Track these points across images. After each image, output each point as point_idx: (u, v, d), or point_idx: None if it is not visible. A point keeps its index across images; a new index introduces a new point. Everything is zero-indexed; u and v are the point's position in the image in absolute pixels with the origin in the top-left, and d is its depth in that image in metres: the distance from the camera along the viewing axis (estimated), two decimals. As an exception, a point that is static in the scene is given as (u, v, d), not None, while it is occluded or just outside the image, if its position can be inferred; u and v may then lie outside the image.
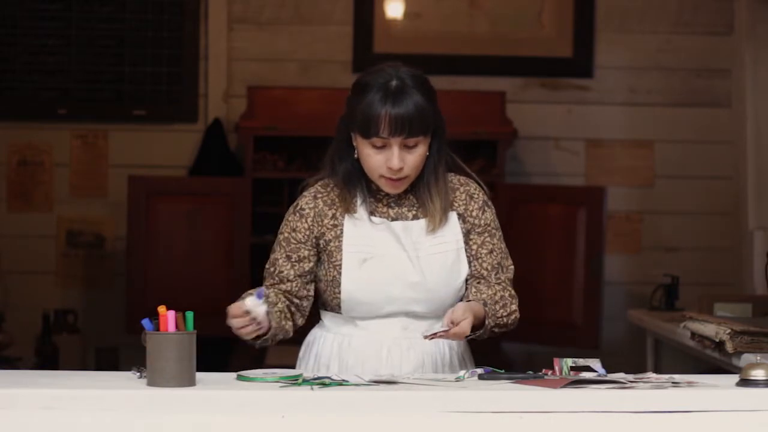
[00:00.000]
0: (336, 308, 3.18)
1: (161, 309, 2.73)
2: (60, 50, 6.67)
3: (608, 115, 6.80)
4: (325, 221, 3.17)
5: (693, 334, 4.30)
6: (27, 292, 6.64)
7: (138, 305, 6.13)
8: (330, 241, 3.16)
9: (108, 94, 6.71)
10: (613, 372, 2.88)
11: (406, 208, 3.19)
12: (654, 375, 2.89)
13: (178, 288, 6.14)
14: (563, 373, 2.85)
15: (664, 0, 6.78)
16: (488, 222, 3.22)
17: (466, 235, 3.19)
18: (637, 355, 5.77)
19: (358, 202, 3.17)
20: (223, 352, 6.03)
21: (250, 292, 2.98)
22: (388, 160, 3.07)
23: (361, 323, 3.17)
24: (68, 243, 6.73)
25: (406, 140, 3.07)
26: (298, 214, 3.19)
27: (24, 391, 2.64)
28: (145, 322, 2.73)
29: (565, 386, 2.73)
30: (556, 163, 6.80)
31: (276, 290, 3.14)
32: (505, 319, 3.13)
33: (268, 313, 2.98)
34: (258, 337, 3.03)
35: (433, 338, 2.96)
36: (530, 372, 2.88)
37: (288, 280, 3.16)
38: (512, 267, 3.24)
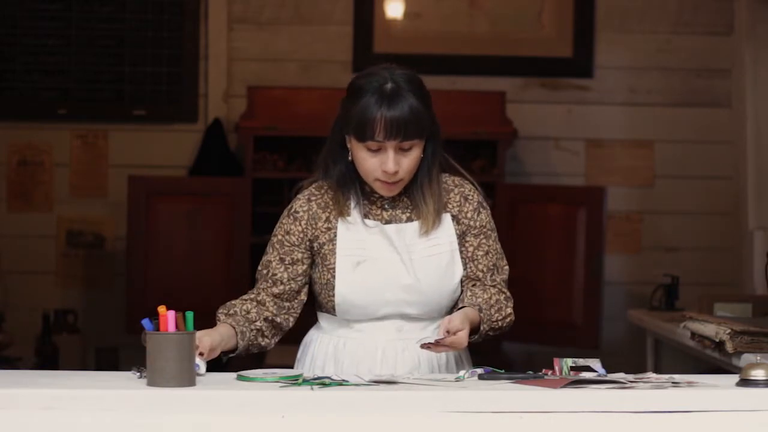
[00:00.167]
0: (331, 310, 3.18)
1: (161, 309, 2.73)
2: (60, 50, 6.67)
3: (608, 115, 6.80)
4: (319, 224, 3.17)
5: (693, 334, 4.30)
6: (27, 292, 6.64)
7: (138, 305, 6.13)
8: (324, 244, 3.16)
9: (108, 94, 6.71)
10: (613, 372, 2.88)
11: (400, 211, 3.18)
12: (654, 375, 2.89)
13: (178, 288, 6.14)
14: (563, 373, 2.85)
15: (664, 0, 6.78)
16: (484, 223, 3.21)
17: (462, 236, 3.19)
18: (637, 355, 5.77)
19: (352, 204, 3.17)
20: (219, 358, 6.03)
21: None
22: (383, 163, 3.07)
23: (356, 325, 3.17)
24: (68, 243, 6.74)
25: (401, 144, 3.06)
26: (291, 217, 3.19)
27: (24, 391, 2.64)
28: (145, 322, 2.73)
29: (565, 386, 2.73)
30: (556, 163, 6.80)
31: (259, 308, 3.14)
32: (500, 323, 3.13)
33: (241, 332, 3.06)
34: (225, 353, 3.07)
35: (427, 348, 2.94)
36: (530, 372, 2.88)
37: (281, 283, 3.16)
38: (507, 268, 3.23)
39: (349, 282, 3.12)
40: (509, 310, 3.16)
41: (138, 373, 2.84)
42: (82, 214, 6.74)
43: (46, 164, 6.72)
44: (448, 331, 2.93)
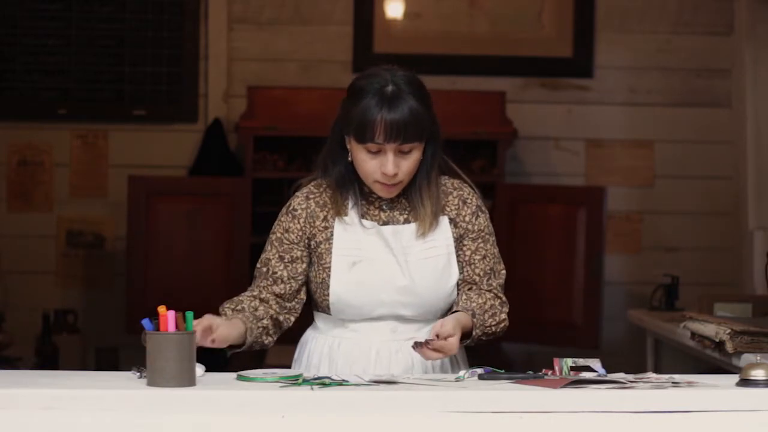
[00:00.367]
0: (326, 310, 3.18)
1: (161, 309, 2.73)
2: (60, 50, 6.67)
3: (608, 115, 6.80)
4: (317, 223, 3.17)
5: (693, 334, 4.30)
6: (27, 292, 6.64)
7: (138, 305, 6.13)
8: (320, 243, 3.16)
9: (108, 94, 6.71)
10: (613, 372, 2.88)
11: (397, 212, 3.18)
12: (654, 375, 2.89)
13: (178, 288, 6.14)
14: (563, 373, 2.85)
15: (664, 0, 6.79)
16: (482, 227, 3.21)
17: (459, 240, 3.18)
18: (637, 355, 5.77)
19: (350, 204, 3.17)
20: (223, 352, 6.03)
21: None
22: (383, 165, 3.07)
23: (350, 325, 3.17)
24: (68, 243, 6.74)
25: (400, 146, 3.06)
26: (290, 215, 3.19)
27: (24, 391, 2.64)
28: (145, 322, 2.73)
29: (565, 386, 2.73)
30: (556, 163, 6.80)
31: (265, 306, 3.14)
32: (493, 328, 3.13)
33: (249, 328, 3.05)
34: (231, 347, 3.07)
35: (419, 351, 2.94)
36: (530, 372, 2.88)
37: (282, 281, 3.16)
38: (504, 272, 3.23)
39: (344, 282, 3.12)
40: (503, 316, 3.15)
41: (138, 373, 2.84)
42: (82, 214, 6.74)
43: (46, 164, 6.72)
44: (438, 336, 2.93)
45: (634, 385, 2.74)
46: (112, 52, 6.69)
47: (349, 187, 3.16)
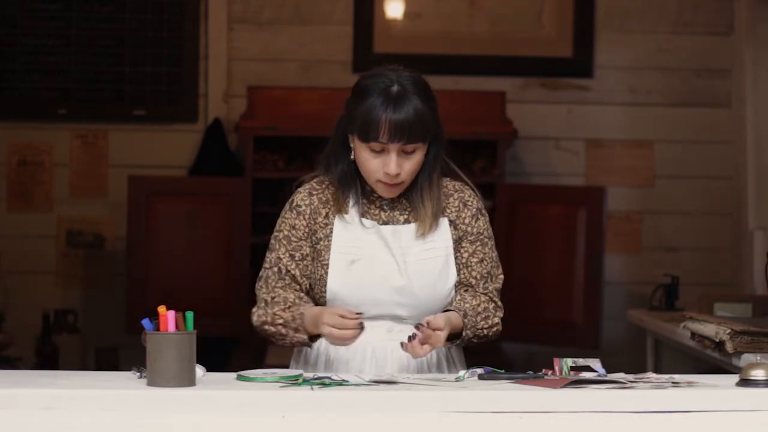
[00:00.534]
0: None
1: (161, 309, 2.73)
2: (60, 50, 6.67)
3: (608, 115, 6.80)
4: (319, 219, 3.17)
5: (693, 334, 4.30)
6: (27, 292, 6.64)
7: (138, 305, 6.12)
8: (320, 239, 3.16)
9: (108, 94, 6.71)
10: (613, 372, 2.88)
11: (398, 212, 3.18)
12: (654, 375, 2.89)
13: (178, 288, 6.14)
14: (563, 373, 2.85)
15: (664, 0, 6.78)
16: (481, 231, 3.20)
17: (458, 242, 3.18)
18: (637, 355, 5.77)
19: (351, 203, 3.17)
20: (223, 352, 6.03)
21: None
22: (386, 165, 3.07)
23: None
24: (68, 243, 6.73)
25: (404, 146, 3.06)
26: (295, 212, 3.18)
27: (24, 391, 2.64)
28: (145, 322, 2.73)
29: (565, 386, 2.73)
30: (556, 163, 6.80)
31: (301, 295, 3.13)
32: (485, 331, 3.13)
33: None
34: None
35: (408, 349, 2.95)
36: (530, 372, 2.88)
37: (296, 281, 3.15)
38: (502, 277, 3.22)
39: (341, 279, 3.12)
40: (497, 320, 3.15)
41: (138, 373, 2.84)
42: (82, 214, 6.74)
43: (46, 164, 6.72)
44: (428, 324, 2.93)
45: (634, 385, 2.75)
46: (112, 52, 6.69)
47: (351, 186, 3.16)
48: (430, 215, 3.15)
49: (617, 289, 6.69)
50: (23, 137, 6.70)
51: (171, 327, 2.72)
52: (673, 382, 2.79)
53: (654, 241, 6.81)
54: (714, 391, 2.73)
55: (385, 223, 3.17)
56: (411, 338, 2.95)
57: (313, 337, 3.09)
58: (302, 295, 3.13)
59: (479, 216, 3.21)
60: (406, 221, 3.17)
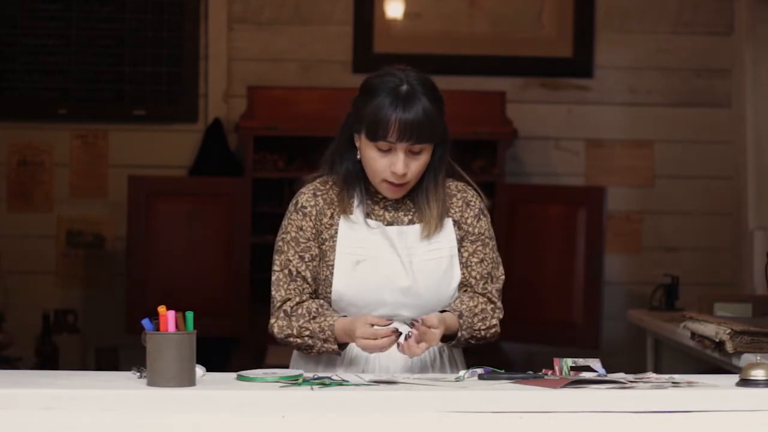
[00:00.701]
0: (327, 307, 3.17)
1: (161, 309, 2.73)
2: (60, 50, 6.67)
3: (608, 115, 6.80)
4: (324, 220, 3.16)
5: (693, 334, 4.30)
6: (27, 292, 6.64)
7: (138, 305, 6.12)
8: (326, 240, 3.15)
9: (108, 94, 6.71)
10: (613, 372, 2.88)
11: (402, 213, 3.18)
12: (654, 375, 2.89)
13: (178, 288, 6.14)
14: (563, 373, 2.85)
15: (664, 0, 6.78)
16: (482, 231, 3.20)
17: (459, 242, 3.18)
18: (637, 355, 5.77)
19: (355, 203, 3.16)
20: (223, 352, 6.03)
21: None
22: (393, 164, 3.06)
23: None
24: (68, 243, 6.73)
25: (412, 146, 3.06)
26: (300, 213, 3.17)
27: (24, 391, 2.64)
28: (145, 322, 2.73)
29: (565, 386, 2.73)
30: (556, 163, 6.80)
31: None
32: (483, 332, 3.12)
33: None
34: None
35: (405, 349, 2.95)
36: (530, 372, 2.88)
37: (308, 284, 3.13)
38: (503, 277, 3.21)
39: (347, 280, 3.11)
40: (495, 321, 3.15)
41: (138, 373, 2.84)
42: (82, 214, 6.74)
43: (46, 164, 6.72)
44: (423, 321, 2.93)
45: (634, 385, 2.75)
46: (112, 52, 6.69)
47: (356, 185, 3.15)
48: (436, 216, 3.14)
49: (617, 289, 6.69)
50: (23, 137, 6.70)
51: (171, 327, 2.72)
52: (673, 382, 2.79)
53: (654, 241, 6.81)
54: (714, 391, 2.73)
55: (390, 223, 3.16)
56: (407, 337, 2.95)
57: (342, 345, 3.08)
58: (323, 302, 3.11)
59: (481, 216, 3.21)
60: (411, 222, 3.17)
